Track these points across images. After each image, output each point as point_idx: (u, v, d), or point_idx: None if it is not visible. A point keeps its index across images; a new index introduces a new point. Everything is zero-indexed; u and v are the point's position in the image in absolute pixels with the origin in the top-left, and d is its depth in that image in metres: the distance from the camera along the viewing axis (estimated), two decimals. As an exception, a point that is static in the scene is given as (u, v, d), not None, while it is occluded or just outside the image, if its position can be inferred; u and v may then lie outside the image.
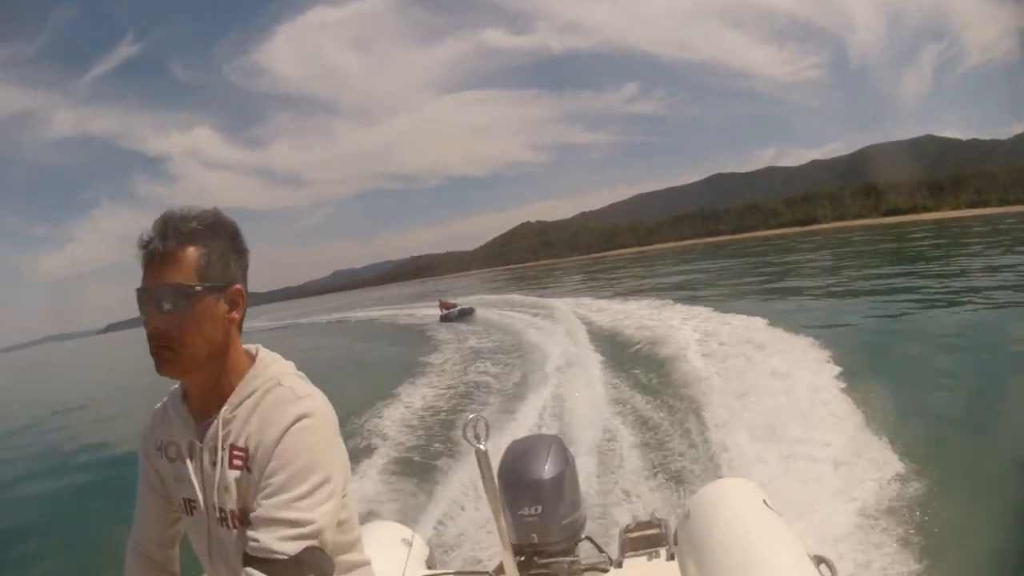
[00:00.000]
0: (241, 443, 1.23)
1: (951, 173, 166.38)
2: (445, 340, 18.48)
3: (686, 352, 9.61)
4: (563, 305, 20.18)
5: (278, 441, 1.19)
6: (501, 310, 22.32)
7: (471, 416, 2.23)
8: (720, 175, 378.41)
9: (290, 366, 1.36)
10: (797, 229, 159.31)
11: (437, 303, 26.16)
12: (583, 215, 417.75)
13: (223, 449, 1.24)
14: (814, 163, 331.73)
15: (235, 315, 1.28)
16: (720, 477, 4.62)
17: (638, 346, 11.40)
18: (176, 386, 1.36)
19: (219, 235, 1.26)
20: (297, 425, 1.20)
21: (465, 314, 23.02)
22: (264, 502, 1.16)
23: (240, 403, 1.27)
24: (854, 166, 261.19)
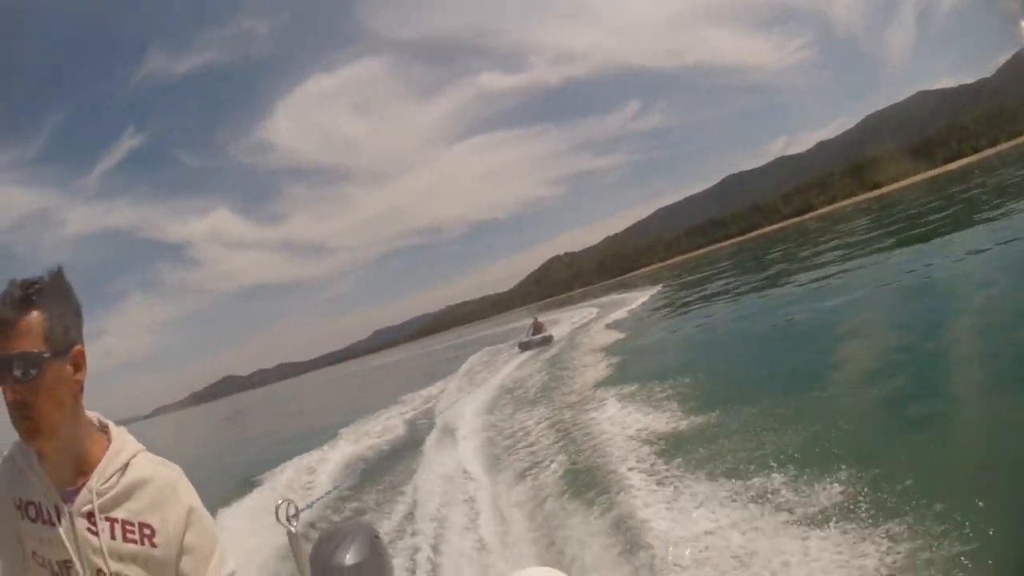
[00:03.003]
0: (132, 519, 1.31)
1: (944, 128, 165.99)
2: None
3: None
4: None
5: (187, 515, 1.36)
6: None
7: (281, 500, 2.34)
8: (732, 176, 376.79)
9: (135, 439, 1.44)
10: (795, 220, 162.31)
11: (531, 322, 26.41)
12: (608, 239, 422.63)
13: (102, 519, 1.29)
14: (820, 145, 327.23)
15: (80, 376, 1.30)
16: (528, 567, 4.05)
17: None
18: (19, 441, 1.33)
19: (59, 298, 1.28)
20: (192, 504, 1.38)
21: (546, 341, 22.93)
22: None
23: (113, 475, 1.32)
24: (859, 139, 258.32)
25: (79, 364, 1.30)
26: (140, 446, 1.41)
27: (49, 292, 1.27)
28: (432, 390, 19.22)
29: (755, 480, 5.15)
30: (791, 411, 6.62)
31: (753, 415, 6.85)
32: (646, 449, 6.80)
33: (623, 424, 8.08)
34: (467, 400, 14.58)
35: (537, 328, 24.67)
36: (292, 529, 2.26)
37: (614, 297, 43.34)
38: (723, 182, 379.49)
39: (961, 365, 6.90)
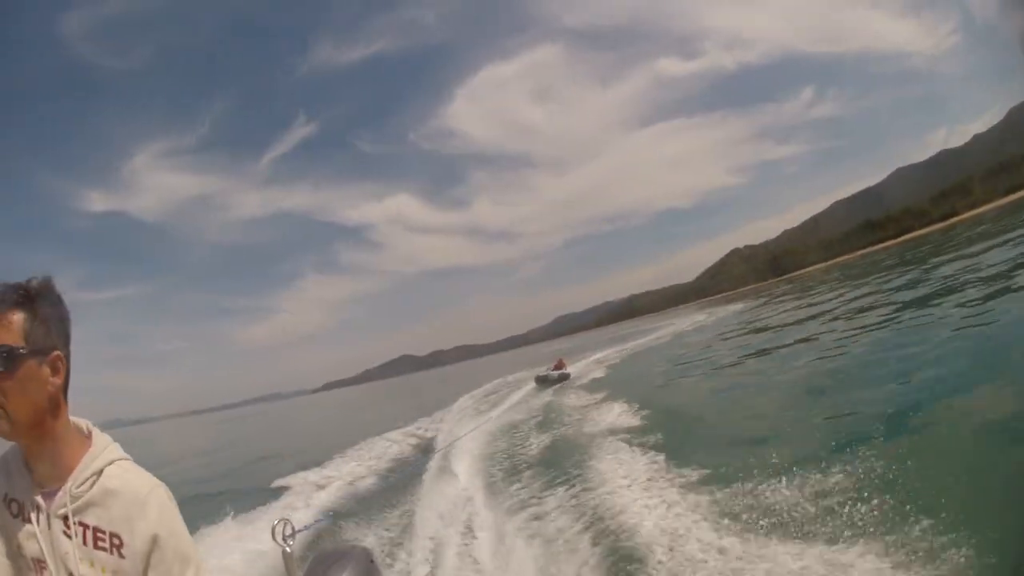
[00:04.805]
0: (104, 526, 1.36)
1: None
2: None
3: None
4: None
5: (154, 534, 1.37)
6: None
7: (277, 520, 2.33)
8: (901, 169, 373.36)
9: (120, 448, 1.48)
10: (940, 225, 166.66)
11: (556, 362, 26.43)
12: (786, 233, 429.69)
13: (76, 524, 1.34)
14: (975, 139, 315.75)
15: (57, 380, 1.37)
16: None
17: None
18: (15, 444, 1.41)
19: (43, 303, 1.37)
20: (167, 518, 1.40)
21: (563, 378, 23.41)
22: None
23: (87, 480, 1.38)
24: (1006, 135, 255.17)
25: (57, 368, 1.37)
26: (120, 455, 1.46)
27: (35, 295, 1.36)
28: (443, 413, 20.52)
29: (756, 503, 5.45)
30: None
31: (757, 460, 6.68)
32: (649, 479, 6.89)
33: (625, 452, 8.34)
34: (471, 424, 15.09)
35: (558, 365, 25.22)
36: (287, 549, 2.27)
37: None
38: (894, 174, 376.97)
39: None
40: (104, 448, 1.44)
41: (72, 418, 1.45)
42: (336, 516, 8.67)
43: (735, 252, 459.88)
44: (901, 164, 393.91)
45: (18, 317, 1.33)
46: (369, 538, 7.48)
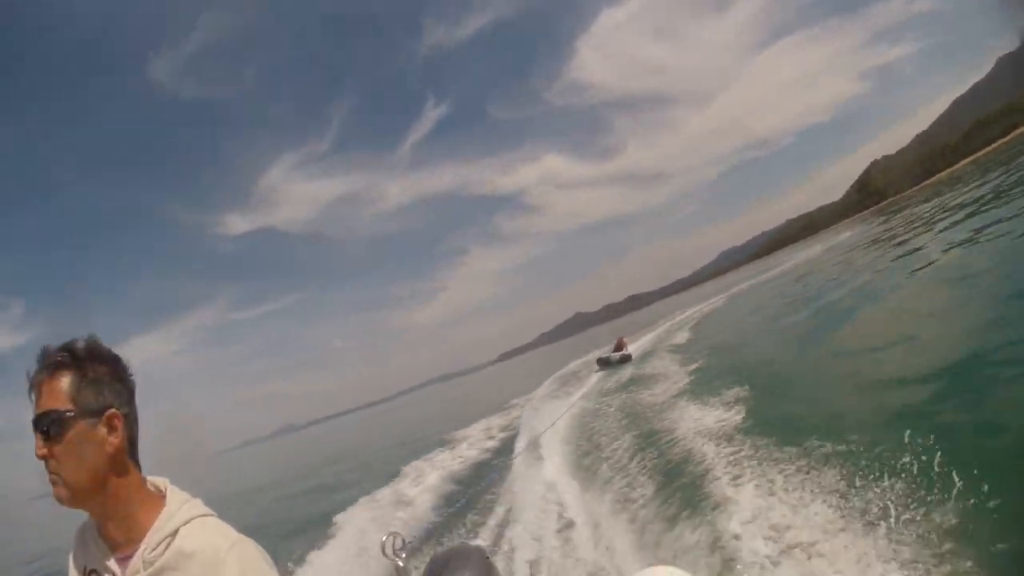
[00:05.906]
0: None
1: None
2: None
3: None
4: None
5: None
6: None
7: (387, 535, 2.29)
8: (1001, 59, 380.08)
9: (201, 504, 1.41)
10: None
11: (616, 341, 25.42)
12: (917, 138, 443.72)
13: None
14: None
15: (115, 440, 1.31)
16: (651, 565, 4.02)
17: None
18: None
19: (91, 362, 1.32)
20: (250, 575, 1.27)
21: (624, 360, 22.35)
22: None
23: (161, 543, 1.30)
24: None
25: (115, 427, 1.31)
26: (200, 511, 1.39)
27: (81, 356, 1.32)
28: (520, 401, 20.19)
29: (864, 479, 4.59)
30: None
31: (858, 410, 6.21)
32: (735, 442, 6.68)
33: (712, 420, 8.05)
34: (552, 412, 14.45)
35: (619, 346, 24.42)
36: (400, 563, 2.25)
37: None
38: (997, 65, 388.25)
39: None
40: (180, 506, 1.37)
41: (149, 477, 1.40)
42: (437, 519, 8.70)
43: (874, 164, 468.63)
44: (1001, 53, 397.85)
45: (64, 380, 1.31)
46: (473, 537, 7.42)
